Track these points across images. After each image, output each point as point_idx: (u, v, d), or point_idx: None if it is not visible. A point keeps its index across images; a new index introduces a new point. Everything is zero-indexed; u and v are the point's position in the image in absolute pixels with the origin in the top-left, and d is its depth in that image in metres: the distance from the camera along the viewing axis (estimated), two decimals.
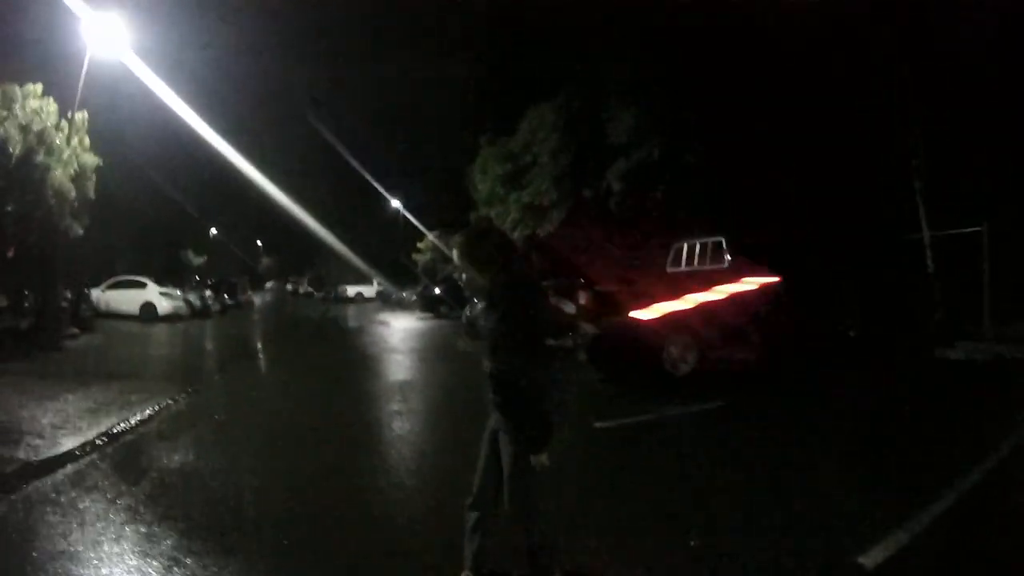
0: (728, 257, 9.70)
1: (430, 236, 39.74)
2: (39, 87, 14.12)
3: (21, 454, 5.51)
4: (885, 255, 10.59)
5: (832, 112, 13.46)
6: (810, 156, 13.92)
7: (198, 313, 24.64)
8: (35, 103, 13.85)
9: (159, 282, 22.80)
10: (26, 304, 12.31)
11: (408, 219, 43.57)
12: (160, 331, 18.93)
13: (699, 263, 10.41)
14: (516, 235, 21.16)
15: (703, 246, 10.38)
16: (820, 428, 6.66)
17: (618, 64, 18.44)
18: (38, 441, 5.92)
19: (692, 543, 3.85)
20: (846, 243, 10.14)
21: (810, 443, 6.14)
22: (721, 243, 9.93)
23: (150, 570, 3.51)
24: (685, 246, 10.90)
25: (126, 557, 3.66)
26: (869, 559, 3.53)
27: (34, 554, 3.63)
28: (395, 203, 47.33)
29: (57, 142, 14.18)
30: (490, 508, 3.14)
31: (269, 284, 65.41)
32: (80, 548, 3.75)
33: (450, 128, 34.37)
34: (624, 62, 18.15)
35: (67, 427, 6.47)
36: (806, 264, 9.18)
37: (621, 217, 18.78)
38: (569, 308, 10.51)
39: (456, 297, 23.62)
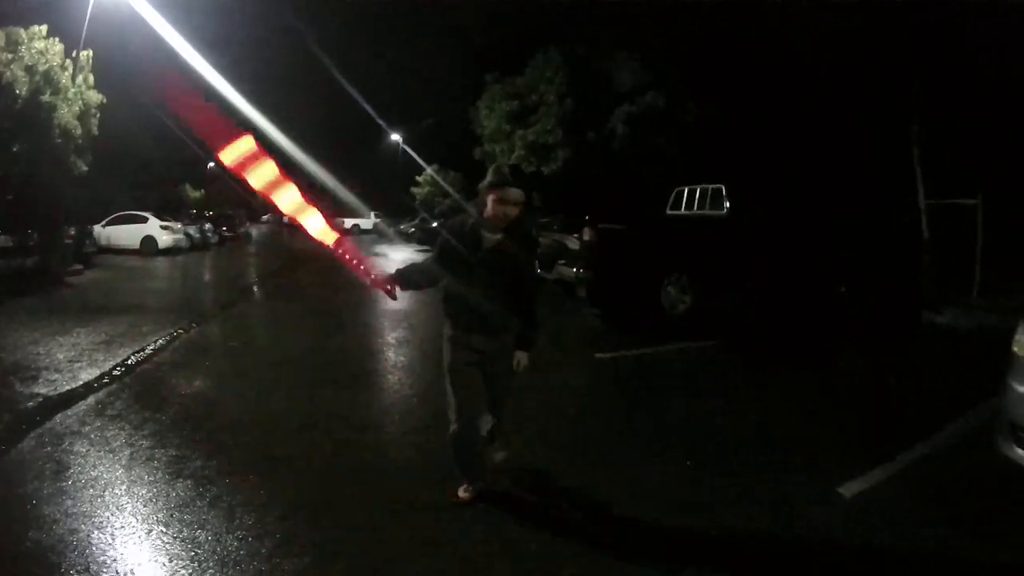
0: (727, 204, 9.78)
1: (428, 170, 39.42)
2: (44, 28, 14.02)
3: (41, 389, 5.63)
4: (881, 217, 10.71)
5: (834, 76, 13.44)
6: (810, 118, 13.98)
7: (197, 246, 24.82)
8: (40, 44, 13.77)
9: (159, 216, 22.79)
10: (31, 242, 12.40)
11: (407, 153, 43.19)
12: (161, 264, 19.04)
13: (698, 207, 10.50)
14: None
15: (703, 191, 10.45)
16: (807, 374, 6.95)
17: (623, 17, 18.46)
18: (55, 375, 6.06)
19: (688, 463, 4.22)
20: (842, 201, 10.21)
21: (797, 387, 6.42)
22: (721, 190, 9.99)
23: (183, 490, 3.68)
24: (686, 190, 10.96)
25: (159, 479, 3.83)
26: (847, 490, 3.86)
27: (66, 483, 3.71)
28: (395, 137, 46.79)
29: (63, 81, 14.14)
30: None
31: (266, 217, 64.85)
32: (111, 474, 3.87)
33: (454, 65, 33.73)
34: (629, 16, 18.15)
35: (83, 360, 6.66)
36: (802, 216, 9.29)
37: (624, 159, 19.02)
38: (572, 244, 10.61)
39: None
